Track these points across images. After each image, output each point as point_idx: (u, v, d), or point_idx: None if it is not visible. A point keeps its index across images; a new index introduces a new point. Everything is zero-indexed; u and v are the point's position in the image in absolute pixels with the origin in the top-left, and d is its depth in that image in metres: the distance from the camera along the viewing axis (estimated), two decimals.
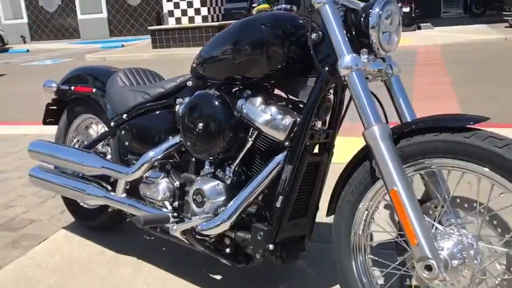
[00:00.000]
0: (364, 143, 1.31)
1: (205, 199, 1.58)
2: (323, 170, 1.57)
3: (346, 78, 1.32)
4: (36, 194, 2.90)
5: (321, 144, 1.55)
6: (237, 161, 1.59)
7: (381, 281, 1.46)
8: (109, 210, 2.11)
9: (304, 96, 1.47)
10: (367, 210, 1.39)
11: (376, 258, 1.43)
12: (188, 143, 1.63)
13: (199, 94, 1.62)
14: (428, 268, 1.19)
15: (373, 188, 1.35)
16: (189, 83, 1.75)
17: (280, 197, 1.47)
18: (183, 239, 1.64)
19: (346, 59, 1.30)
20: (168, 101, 1.81)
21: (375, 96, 1.44)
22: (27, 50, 17.38)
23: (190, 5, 12.91)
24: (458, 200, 1.30)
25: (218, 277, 1.87)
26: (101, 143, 2.18)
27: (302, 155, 1.45)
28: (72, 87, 2.20)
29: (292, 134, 1.46)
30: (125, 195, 1.89)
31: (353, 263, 1.43)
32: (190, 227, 1.60)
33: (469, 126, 1.21)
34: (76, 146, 2.30)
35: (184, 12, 13.02)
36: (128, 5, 19.69)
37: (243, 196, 1.52)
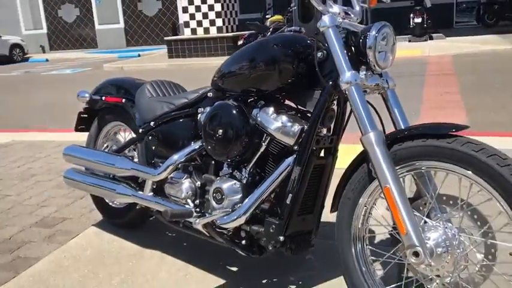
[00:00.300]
0: (362, 148, 1.52)
1: (224, 196, 1.80)
2: (328, 171, 1.78)
3: (346, 92, 1.53)
4: (66, 195, 3.14)
5: (326, 148, 1.76)
6: (252, 163, 1.80)
7: (378, 270, 1.65)
8: (136, 208, 2.35)
9: (311, 107, 1.68)
10: (365, 206, 1.59)
11: (373, 248, 1.63)
12: (209, 147, 1.86)
13: (219, 104, 1.84)
14: (416, 254, 1.38)
15: (370, 187, 1.55)
16: (210, 94, 1.98)
17: (290, 194, 1.68)
18: (204, 231, 1.86)
19: (347, 75, 1.52)
20: (190, 110, 2.04)
21: (373, 107, 1.64)
22: (47, 60, 17.84)
23: (205, 16, 13.24)
24: (444, 198, 1.50)
25: (234, 268, 2.08)
26: (127, 148, 2.41)
27: (309, 158, 1.66)
28: (103, 97, 2.44)
29: (300, 139, 1.67)
30: (151, 193, 2.11)
31: (353, 252, 1.63)
32: (211, 221, 1.81)
33: (452, 133, 1.41)
34: (105, 151, 2.53)
35: (199, 23, 13.35)
36: (144, 15, 20.15)
37: (257, 194, 1.73)
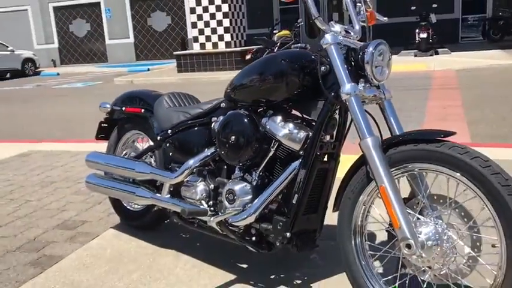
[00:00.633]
0: (361, 153, 1.69)
1: (235, 197, 1.98)
2: (331, 175, 1.95)
3: (346, 102, 1.71)
4: (84, 201, 3.33)
5: (329, 154, 1.93)
6: (261, 167, 1.98)
7: (378, 266, 1.81)
8: (153, 210, 2.53)
9: (315, 115, 1.86)
10: (364, 205, 1.76)
11: (371, 244, 1.80)
12: (222, 152, 2.04)
13: (232, 113, 2.03)
14: (409, 246, 1.55)
15: (368, 187, 1.72)
16: (223, 105, 2.17)
17: (296, 195, 1.85)
18: (217, 229, 2.03)
19: (347, 86, 1.70)
20: (205, 119, 2.22)
21: (371, 115, 1.82)
22: (58, 73, 18.24)
23: (214, 31, 13.55)
24: (435, 197, 1.67)
25: (244, 265, 2.25)
26: (145, 155, 2.60)
27: (313, 162, 1.84)
28: (124, 108, 2.63)
29: (305, 145, 1.85)
30: (169, 196, 2.29)
31: (353, 248, 1.79)
32: (224, 219, 1.99)
33: (440, 138, 1.58)
34: (125, 157, 2.72)
35: (208, 38, 13.65)
36: (154, 30, 20.57)
37: (266, 195, 1.91)
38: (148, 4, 20.45)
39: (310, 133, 1.85)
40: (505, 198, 1.42)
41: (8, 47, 18.33)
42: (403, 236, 1.56)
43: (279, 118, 1.93)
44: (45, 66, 20.90)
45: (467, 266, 1.60)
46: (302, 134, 1.86)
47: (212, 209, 2.09)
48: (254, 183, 1.99)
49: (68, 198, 3.41)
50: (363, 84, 1.75)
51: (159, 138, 2.40)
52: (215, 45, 13.61)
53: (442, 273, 1.62)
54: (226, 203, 2.02)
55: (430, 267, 1.62)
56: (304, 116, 1.96)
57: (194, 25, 13.82)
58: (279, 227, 1.88)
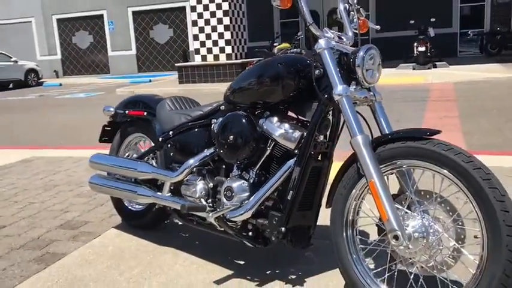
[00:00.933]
0: (353, 151, 1.79)
1: (233, 194, 2.07)
2: (324, 173, 2.04)
3: (339, 102, 1.81)
4: (87, 203, 3.42)
5: (323, 153, 2.03)
6: (258, 165, 2.08)
7: (367, 258, 1.90)
8: (153, 210, 2.62)
9: (310, 116, 1.96)
10: (355, 200, 1.85)
11: (362, 238, 1.88)
12: (221, 151, 2.13)
13: (231, 114, 2.13)
14: (396, 238, 1.64)
15: (359, 183, 1.81)
16: (222, 107, 2.27)
17: (291, 191, 1.94)
18: (216, 224, 2.12)
19: (339, 88, 1.80)
20: (205, 121, 2.32)
21: (363, 117, 1.92)
22: (60, 84, 18.40)
23: (215, 43, 13.74)
24: (422, 192, 1.76)
25: (241, 262, 2.33)
26: (147, 156, 2.70)
27: (308, 160, 1.93)
28: (127, 111, 2.74)
29: (300, 144, 1.95)
30: (169, 194, 2.38)
31: (345, 242, 1.88)
32: (222, 215, 2.08)
33: (426, 136, 1.67)
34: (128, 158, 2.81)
35: (209, 51, 13.84)
36: (156, 43, 20.80)
37: (262, 191, 2.00)
38: (150, 17, 20.71)
39: (305, 133, 1.94)
40: (485, 191, 1.51)
41: (11, 57, 18.54)
42: (390, 228, 1.64)
43: (275, 119, 2.03)
44: (47, 77, 21.11)
45: (452, 257, 1.69)
46: (297, 134, 1.96)
47: (211, 205, 2.18)
48: (251, 180, 2.08)
49: (71, 201, 3.50)
50: (354, 87, 1.86)
51: (160, 139, 2.49)
52: (216, 57, 13.79)
53: (428, 265, 1.71)
54: (224, 199, 2.11)
55: (417, 260, 1.70)
56: (300, 117, 2.06)
57: (196, 37, 14.01)
58: (274, 222, 1.97)
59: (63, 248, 2.63)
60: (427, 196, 1.74)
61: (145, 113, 2.64)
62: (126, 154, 2.87)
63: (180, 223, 2.88)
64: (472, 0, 17.66)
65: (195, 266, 2.32)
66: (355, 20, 2.09)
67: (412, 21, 13.90)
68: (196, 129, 2.36)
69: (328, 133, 2.03)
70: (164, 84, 14.41)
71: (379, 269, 1.84)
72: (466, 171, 1.55)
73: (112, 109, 2.81)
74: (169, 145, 2.45)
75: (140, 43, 21.10)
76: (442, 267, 1.70)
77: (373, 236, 1.91)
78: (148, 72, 20.46)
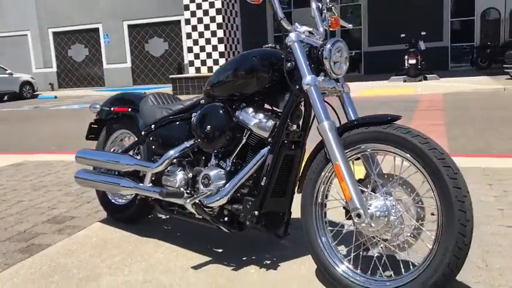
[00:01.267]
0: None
1: (210, 181, 2.16)
2: (297, 161, 2.14)
3: (307, 92, 1.92)
4: (74, 200, 3.50)
5: (295, 142, 2.13)
6: (235, 154, 2.18)
7: (335, 239, 1.99)
8: (136, 203, 2.71)
9: (283, 107, 2.07)
10: (323, 184, 1.95)
11: (330, 220, 1.98)
12: (199, 140, 2.23)
13: (209, 105, 2.24)
14: (358, 216, 1.73)
15: (326, 168, 1.91)
16: (202, 101, 2.37)
17: (264, 178, 2.04)
18: (193, 211, 2.21)
19: (307, 78, 1.91)
20: (186, 114, 2.43)
21: (332, 107, 2.03)
22: (55, 97, 18.48)
23: (209, 56, 13.93)
24: (385, 176, 1.86)
25: (220, 250, 2.41)
26: (131, 151, 2.79)
27: (280, 148, 2.04)
28: (112, 108, 2.84)
29: (273, 133, 2.05)
30: (150, 184, 2.48)
31: (314, 224, 1.97)
32: (199, 201, 2.17)
33: (387, 121, 1.78)
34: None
35: (203, 63, 14.03)
36: (151, 56, 20.98)
37: (237, 178, 2.10)
38: (146, 30, 20.92)
39: (278, 122, 2.05)
40: (440, 170, 1.62)
41: (6, 70, 18.64)
42: (353, 207, 1.74)
43: (250, 109, 2.14)
44: (43, 90, 21.19)
45: (413, 236, 1.78)
46: (270, 123, 2.07)
47: (188, 191, 2.27)
48: (228, 169, 2.18)
49: (59, 199, 3.57)
50: (322, 77, 1.97)
51: (143, 133, 2.59)
52: (210, 69, 13.97)
53: (391, 244, 1.80)
54: (201, 187, 2.20)
55: (380, 239, 1.80)
56: (274, 108, 2.16)
57: (190, 50, 14.22)
58: (248, 206, 2.06)
59: (48, 240, 2.71)
60: (390, 179, 1.84)
61: (129, 109, 2.74)
62: (112, 150, 2.96)
63: (163, 217, 2.96)
64: (462, 15, 18.00)
65: (175, 254, 2.40)
66: (327, 18, 2.22)
67: (403, 35, 14.15)
68: (177, 123, 2.46)
69: (300, 123, 2.14)
70: None
71: (346, 249, 1.93)
72: (423, 151, 1.66)
73: (98, 106, 2.91)
74: (151, 138, 2.55)
75: (135, 56, 21.28)
76: (404, 246, 1.79)
77: (342, 219, 2.00)
78: (144, 85, 20.58)
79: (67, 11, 21.51)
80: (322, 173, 1.92)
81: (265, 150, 2.06)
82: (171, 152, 2.37)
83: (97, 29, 21.65)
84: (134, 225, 2.84)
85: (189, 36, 14.16)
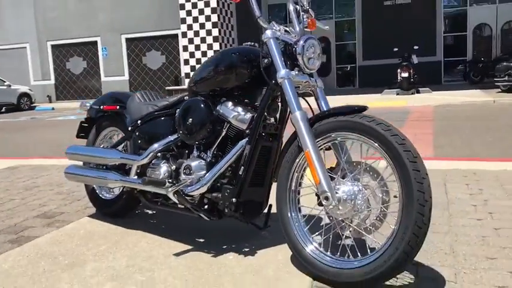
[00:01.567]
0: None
1: (192, 171, 2.28)
2: (274, 153, 2.26)
3: (281, 84, 2.05)
4: (65, 198, 3.59)
5: (273, 135, 2.25)
6: (215, 146, 2.29)
7: (307, 225, 2.09)
8: (123, 198, 2.81)
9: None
10: (296, 172, 2.06)
11: (303, 205, 2.09)
12: (181, 132, 2.35)
13: (191, 100, 2.36)
14: (327, 198, 1.85)
15: (299, 156, 2.03)
16: (186, 98, 2.50)
17: (242, 167, 2.16)
18: (176, 200, 2.31)
19: (282, 72, 2.04)
20: (170, 110, 2.55)
21: (307, 101, 2.16)
22: (53, 108, 18.62)
23: None
24: (354, 163, 1.97)
25: (201, 240, 2.51)
26: (119, 146, 2.91)
27: (258, 139, 2.16)
28: (101, 106, 2.96)
29: (251, 126, 2.17)
30: (136, 177, 2.58)
31: (288, 210, 2.08)
32: (180, 190, 2.27)
33: (355, 111, 1.90)
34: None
35: None
36: (148, 68, 21.20)
37: (217, 168, 2.21)
38: (143, 44, 21.16)
39: (255, 115, 2.17)
40: (401, 154, 1.73)
41: (4, 81, 18.81)
42: (322, 190, 1.86)
43: (230, 103, 2.26)
44: (41, 102, 21.34)
45: (379, 219, 1.89)
46: (248, 116, 2.19)
47: (170, 180, 2.37)
48: (208, 160, 2.29)
49: (50, 197, 3.67)
50: (296, 72, 2.10)
51: (130, 129, 2.71)
52: None
53: (358, 227, 1.91)
54: (183, 176, 2.31)
55: (348, 222, 1.91)
56: (252, 102, 2.29)
57: (186, 62, 14.41)
58: (226, 194, 2.17)
59: (38, 232, 2.80)
60: (359, 166, 1.96)
61: (118, 107, 2.86)
62: (101, 146, 3.08)
63: (149, 212, 3.07)
64: (455, 30, 18.30)
65: (158, 243, 2.50)
66: (304, 19, 2.35)
67: (395, 49, 14.40)
68: (162, 118, 2.58)
69: (278, 116, 2.26)
70: None
71: (317, 233, 2.04)
72: (385, 138, 1.78)
73: (88, 104, 3.04)
74: (137, 133, 2.66)
75: (133, 69, 21.49)
76: (371, 229, 1.90)
77: (314, 203, 2.10)
78: None
79: (66, 24, 21.77)
80: (296, 161, 2.04)
81: (243, 142, 2.18)
82: (156, 146, 2.48)
83: (95, 42, 21.89)
84: (121, 219, 2.94)
85: (185, 49, 14.37)
